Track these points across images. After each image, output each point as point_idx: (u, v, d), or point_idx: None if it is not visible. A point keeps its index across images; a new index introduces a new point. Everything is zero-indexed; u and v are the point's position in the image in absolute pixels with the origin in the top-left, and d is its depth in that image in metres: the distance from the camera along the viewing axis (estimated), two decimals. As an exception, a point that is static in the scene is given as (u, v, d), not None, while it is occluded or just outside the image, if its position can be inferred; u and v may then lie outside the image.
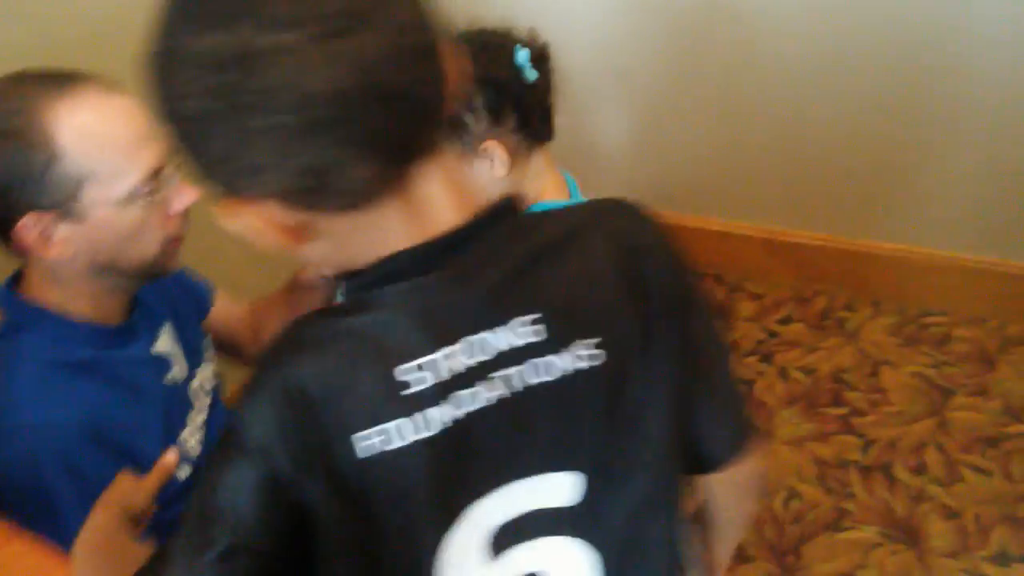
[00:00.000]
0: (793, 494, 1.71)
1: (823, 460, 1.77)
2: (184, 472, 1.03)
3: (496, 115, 1.07)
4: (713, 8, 1.90)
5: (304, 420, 0.58)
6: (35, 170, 0.88)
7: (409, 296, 0.60)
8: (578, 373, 0.62)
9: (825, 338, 2.05)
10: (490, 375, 0.61)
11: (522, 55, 1.07)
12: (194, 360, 1.14)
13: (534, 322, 0.61)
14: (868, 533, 1.63)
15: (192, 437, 1.08)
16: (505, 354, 0.61)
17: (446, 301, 0.60)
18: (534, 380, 0.62)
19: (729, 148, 2.12)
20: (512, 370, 0.61)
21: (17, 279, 1.01)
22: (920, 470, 1.71)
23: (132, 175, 0.93)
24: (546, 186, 1.14)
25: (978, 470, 1.70)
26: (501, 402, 0.61)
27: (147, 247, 0.98)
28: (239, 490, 0.59)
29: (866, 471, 1.73)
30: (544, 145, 1.13)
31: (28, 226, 0.91)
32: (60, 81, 0.92)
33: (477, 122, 1.06)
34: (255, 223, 0.57)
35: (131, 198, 0.93)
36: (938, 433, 1.78)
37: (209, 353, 1.20)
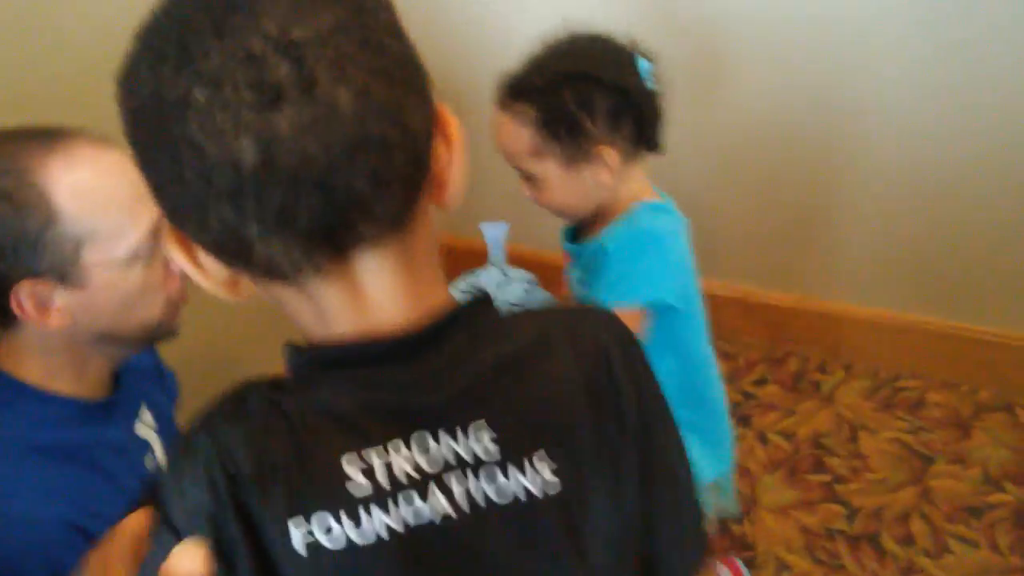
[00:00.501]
0: (782, 566, 1.66)
1: (809, 529, 1.73)
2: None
3: (615, 121, 1.05)
4: (693, 79, 1.90)
5: (234, 498, 0.53)
6: (30, 233, 0.79)
7: (360, 390, 0.55)
8: (530, 493, 0.58)
9: (801, 401, 2.03)
10: (437, 486, 0.56)
11: (644, 64, 1.06)
12: None
13: (488, 435, 0.57)
14: (860, 607, 1.59)
15: None
16: (454, 466, 0.56)
17: (400, 402, 0.56)
18: (483, 497, 0.57)
19: (702, 210, 2.11)
20: (460, 484, 0.56)
21: None
22: (907, 541, 1.69)
23: (133, 233, 0.85)
24: (644, 188, 1.14)
25: (965, 541, 1.68)
26: (446, 518, 0.56)
27: (150, 310, 0.90)
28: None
29: (854, 541, 1.70)
30: (646, 155, 1.13)
31: (24, 294, 0.81)
32: (48, 137, 0.83)
33: (596, 126, 1.04)
34: (190, 261, 0.54)
35: (133, 258, 0.85)
36: (922, 502, 1.76)
37: None
